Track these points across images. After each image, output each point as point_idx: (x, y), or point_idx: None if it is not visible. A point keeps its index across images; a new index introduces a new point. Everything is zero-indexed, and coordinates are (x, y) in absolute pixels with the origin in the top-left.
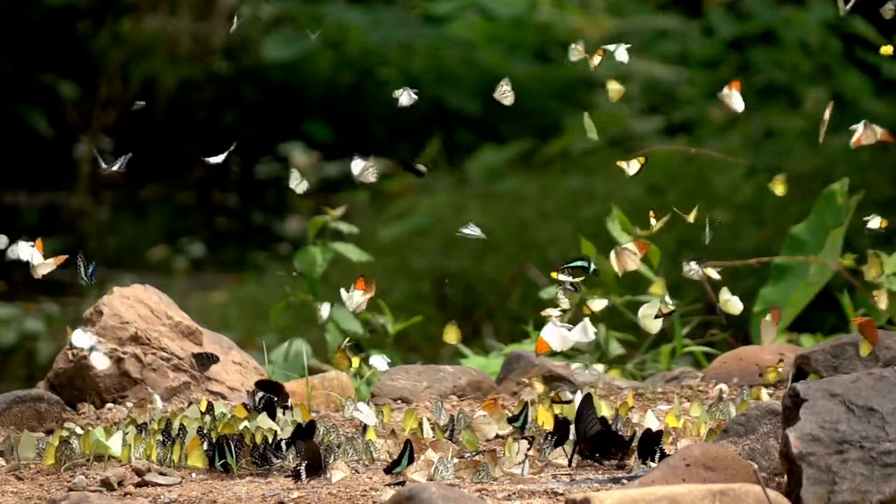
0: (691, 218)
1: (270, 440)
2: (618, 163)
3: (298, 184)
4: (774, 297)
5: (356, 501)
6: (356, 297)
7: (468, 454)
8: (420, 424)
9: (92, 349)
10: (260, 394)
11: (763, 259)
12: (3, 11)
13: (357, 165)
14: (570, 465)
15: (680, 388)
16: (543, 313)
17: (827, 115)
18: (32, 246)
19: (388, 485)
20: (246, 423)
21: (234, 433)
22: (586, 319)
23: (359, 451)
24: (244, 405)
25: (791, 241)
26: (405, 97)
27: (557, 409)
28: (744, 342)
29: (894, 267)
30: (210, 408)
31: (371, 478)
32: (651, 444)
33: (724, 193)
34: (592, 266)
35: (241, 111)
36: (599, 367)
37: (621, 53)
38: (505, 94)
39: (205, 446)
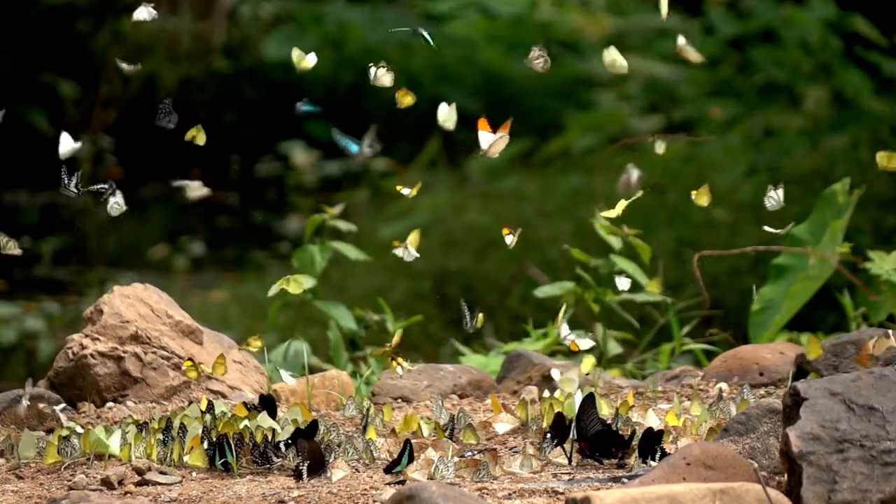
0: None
1: (271, 439)
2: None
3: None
4: (774, 295)
5: (356, 500)
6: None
7: (469, 453)
8: (420, 424)
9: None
10: None
11: (759, 248)
12: (3, 11)
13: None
14: (570, 464)
15: (680, 387)
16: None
17: None
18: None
19: (389, 484)
20: (246, 421)
21: (234, 432)
22: None
23: (359, 451)
24: None
25: (791, 242)
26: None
27: (558, 408)
28: (743, 341)
29: (894, 263)
30: (210, 407)
31: (371, 477)
32: (652, 443)
33: (724, 193)
34: None
35: (241, 110)
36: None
37: None
38: (538, 59)
39: (205, 445)
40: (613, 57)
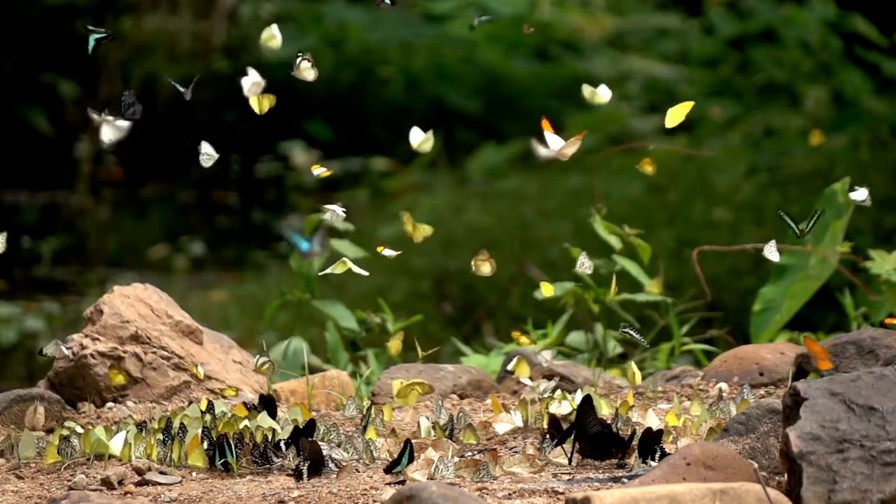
0: None
1: (271, 439)
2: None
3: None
4: (774, 295)
5: (356, 500)
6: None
7: (468, 453)
8: (419, 423)
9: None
10: None
11: (759, 245)
12: (3, 11)
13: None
14: (570, 464)
15: (680, 387)
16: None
17: None
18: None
19: (389, 484)
20: (246, 421)
21: (234, 432)
22: None
23: (359, 451)
24: None
25: (792, 242)
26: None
27: (557, 409)
28: (743, 341)
29: (895, 263)
30: (210, 407)
31: (371, 477)
32: (651, 443)
33: (724, 193)
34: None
35: (241, 110)
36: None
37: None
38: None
39: (205, 445)
40: (592, 91)
